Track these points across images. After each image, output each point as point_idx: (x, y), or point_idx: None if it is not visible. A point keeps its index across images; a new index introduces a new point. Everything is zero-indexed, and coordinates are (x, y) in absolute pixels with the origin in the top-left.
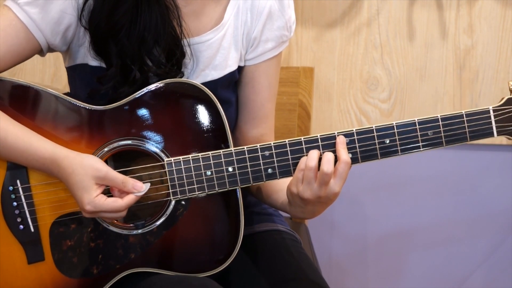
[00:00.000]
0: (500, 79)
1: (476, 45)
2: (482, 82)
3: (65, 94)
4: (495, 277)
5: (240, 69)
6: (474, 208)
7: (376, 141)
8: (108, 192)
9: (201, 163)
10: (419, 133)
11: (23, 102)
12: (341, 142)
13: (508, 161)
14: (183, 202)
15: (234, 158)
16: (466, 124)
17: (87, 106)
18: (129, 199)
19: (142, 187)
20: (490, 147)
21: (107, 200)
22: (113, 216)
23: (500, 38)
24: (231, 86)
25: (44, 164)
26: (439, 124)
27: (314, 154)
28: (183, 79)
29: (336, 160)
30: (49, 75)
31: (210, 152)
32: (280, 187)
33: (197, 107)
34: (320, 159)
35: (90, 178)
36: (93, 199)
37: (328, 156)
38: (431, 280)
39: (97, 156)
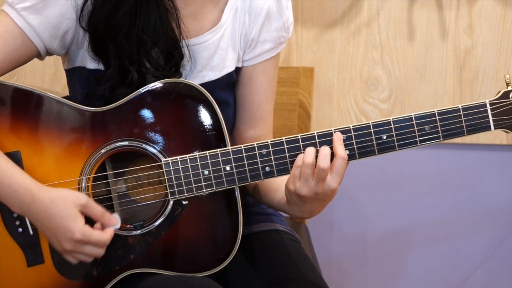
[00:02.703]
0: (500, 79)
1: (476, 45)
2: (482, 82)
3: (63, 97)
4: (495, 276)
5: (237, 70)
6: (474, 208)
7: (373, 137)
8: None
9: (199, 163)
10: (416, 128)
11: (20, 106)
12: (338, 138)
13: (508, 160)
14: (181, 202)
15: (232, 157)
16: (463, 118)
17: (84, 108)
18: (111, 234)
19: (116, 220)
20: (489, 146)
21: (95, 230)
22: (94, 252)
23: (500, 38)
24: (229, 87)
25: (16, 191)
26: (436, 119)
27: (310, 151)
28: (180, 80)
29: (332, 156)
30: (49, 76)
31: (207, 152)
32: (276, 186)
33: (194, 107)
34: (317, 156)
35: (73, 205)
36: (83, 227)
37: (325, 151)
38: (431, 279)
39: (95, 158)
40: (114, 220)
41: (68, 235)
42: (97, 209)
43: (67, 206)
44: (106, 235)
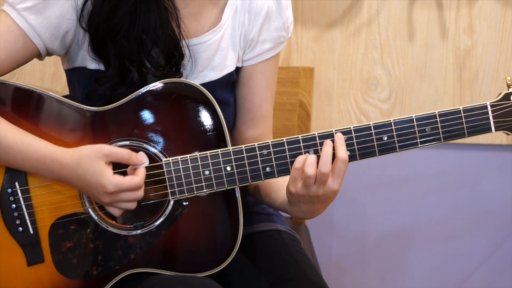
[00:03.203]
0: (500, 79)
1: (476, 45)
2: (482, 82)
3: (64, 96)
4: (495, 276)
5: (237, 69)
6: (474, 208)
7: (374, 137)
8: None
9: (199, 163)
10: (416, 129)
11: (21, 105)
12: (340, 139)
13: (508, 160)
14: (182, 202)
15: (232, 157)
16: (464, 120)
17: (85, 107)
18: (142, 173)
19: (144, 158)
20: (489, 147)
21: (125, 177)
22: (132, 196)
23: (500, 38)
24: (229, 87)
25: (44, 163)
26: (437, 120)
27: (311, 158)
28: (181, 80)
29: (333, 157)
30: (49, 75)
31: (208, 152)
32: (278, 186)
33: (195, 107)
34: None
35: (98, 159)
36: (113, 179)
37: (326, 156)
38: (431, 279)
39: None
40: (142, 158)
41: (101, 190)
42: (122, 153)
43: (92, 163)
44: (137, 177)
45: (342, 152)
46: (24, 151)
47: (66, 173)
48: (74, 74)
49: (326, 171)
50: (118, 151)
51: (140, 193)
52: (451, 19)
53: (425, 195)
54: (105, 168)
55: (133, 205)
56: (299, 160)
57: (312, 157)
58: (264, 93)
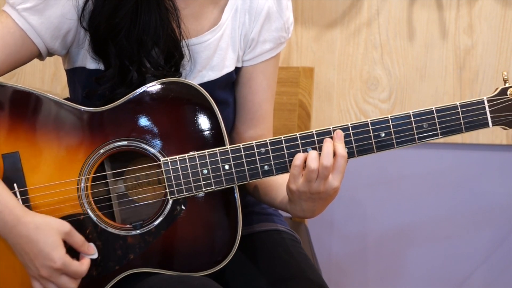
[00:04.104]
0: (500, 79)
1: (476, 45)
2: (482, 82)
3: (64, 99)
4: (495, 276)
5: (237, 70)
6: (474, 208)
7: (372, 134)
8: None
9: (197, 162)
10: (414, 126)
11: (19, 107)
12: (338, 136)
13: (508, 160)
14: (180, 202)
15: (230, 156)
16: (461, 115)
17: (82, 108)
18: (87, 265)
19: (95, 250)
20: (489, 146)
21: (74, 261)
22: (68, 285)
23: (500, 38)
24: (228, 87)
25: (0, 213)
26: (434, 116)
27: (314, 154)
28: (179, 79)
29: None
30: (49, 76)
31: (206, 151)
32: (277, 185)
33: (193, 107)
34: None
35: (57, 233)
36: (64, 256)
37: (327, 150)
38: (431, 279)
39: (93, 158)
40: (92, 250)
41: (48, 263)
42: (78, 238)
43: (51, 233)
44: (83, 267)
45: (341, 149)
46: None
47: (18, 232)
48: (75, 74)
49: (328, 164)
50: (76, 234)
51: (75, 285)
52: (451, 19)
53: (425, 195)
54: (60, 244)
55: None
56: (298, 158)
57: (314, 152)
58: (264, 93)
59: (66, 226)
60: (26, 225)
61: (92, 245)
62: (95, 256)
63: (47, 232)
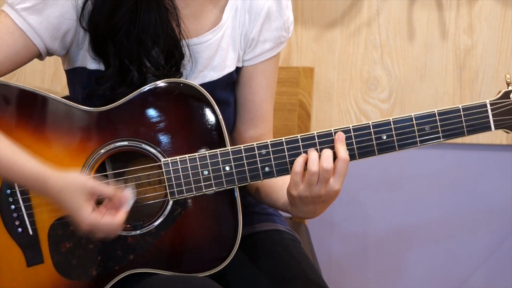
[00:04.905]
0: (500, 79)
1: (476, 45)
2: (482, 82)
3: (63, 97)
4: (495, 276)
5: (238, 69)
6: (474, 208)
7: (373, 136)
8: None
9: (198, 163)
10: (416, 128)
11: (20, 106)
12: (340, 139)
13: (508, 160)
14: (181, 202)
15: (231, 157)
16: (463, 118)
17: (84, 108)
18: (121, 216)
19: (129, 197)
20: (489, 146)
21: (103, 218)
22: (110, 231)
23: (500, 38)
24: (229, 86)
25: (27, 182)
26: (436, 119)
27: (314, 155)
28: (180, 80)
29: (334, 156)
30: (49, 76)
31: (207, 152)
32: (278, 187)
33: (194, 107)
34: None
35: (79, 193)
36: (89, 217)
37: (327, 153)
38: (431, 279)
39: (94, 158)
40: (126, 198)
41: (77, 223)
42: (106, 191)
43: (74, 195)
44: (116, 220)
45: (343, 152)
46: (9, 169)
47: (51, 194)
48: (75, 75)
49: (328, 167)
50: (102, 188)
51: (117, 231)
52: (451, 19)
53: (425, 195)
54: (84, 205)
55: (107, 238)
56: (298, 164)
57: (314, 154)
58: (265, 93)
59: (88, 184)
60: (52, 190)
61: (126, 192)
62: (132, 201)
63: (69, 195)
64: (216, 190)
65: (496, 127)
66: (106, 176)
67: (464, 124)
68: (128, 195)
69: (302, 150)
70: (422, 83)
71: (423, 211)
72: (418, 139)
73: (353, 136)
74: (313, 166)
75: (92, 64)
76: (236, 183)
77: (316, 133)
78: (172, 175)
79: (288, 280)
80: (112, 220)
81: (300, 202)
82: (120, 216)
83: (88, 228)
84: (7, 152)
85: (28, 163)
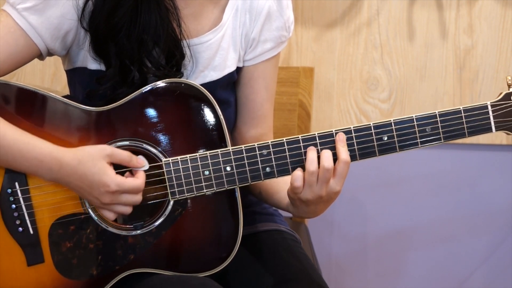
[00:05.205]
0: (500, 79)
1: (476, 45)
2: (482, 82)
3: (64, 96)
4: (495, 276)
5: (238, 69)
6: (474, 208)
7: (374, 137)
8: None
9: (199, 163)
10: (417, 129)
11: (21, 105)
12: (341, 140)
13: (508, 160)
14: (181, 202)
15: (232, 157)
16: (464, 120)
17: (85, 107)
18: (142, 177)
19: (144, 161)
20: (489, 147)
21: (127, 178)
22: (131, 200)
23: (500, 38)
24: (230, 86)
25: (43, 161)
26: (437, 120)
27: (313, 155)
28: (181, 80)
29: (334, 157)
30: (49, 76)
31: (208, 152)
32: (279, 187)
33: (195, 107)
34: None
35: (101, 159)
36: (115, 178)
37: (327, 153)
38: (431, 279)
39: None
40: (142, 162)
41: (103, 189)
42: (124, 155)
43: (95, 162)
44: (139, 180)
45: (344, 154)
46: (23, 150)
47: (65, 172)
48: (75, 75)
49: (329, 167)
50: (120, 152)
51: (139, 198)
52: (451, 19)
53: (425, 195)
54: (108, 168)
55: (129, 210)
56: (298, 179)
57: (312, 154)
58: (266, 92)
59: (106, 149)
60: (69, 164)
61: (140, 157)
62: (146, 167)
63: (90, 163)
64: (217, 190)
65: (497, 129)
66: None
67: (465, 125)
68: (143, 161)
69: (303, 151)
70: (422, 83)
71: (423, 211)
72: (419, 140)
73: (354, 137)
74: (312, 166)
75: (93, 64)
76: (237, 183)
77: (317, 133)
78: (173, 175)
79: (288, 280)
80: (136, 180)
81: (301, 203)
82: (141, 176)
83: (116, 189)
84: (15, 134)
85: (41, 143)
